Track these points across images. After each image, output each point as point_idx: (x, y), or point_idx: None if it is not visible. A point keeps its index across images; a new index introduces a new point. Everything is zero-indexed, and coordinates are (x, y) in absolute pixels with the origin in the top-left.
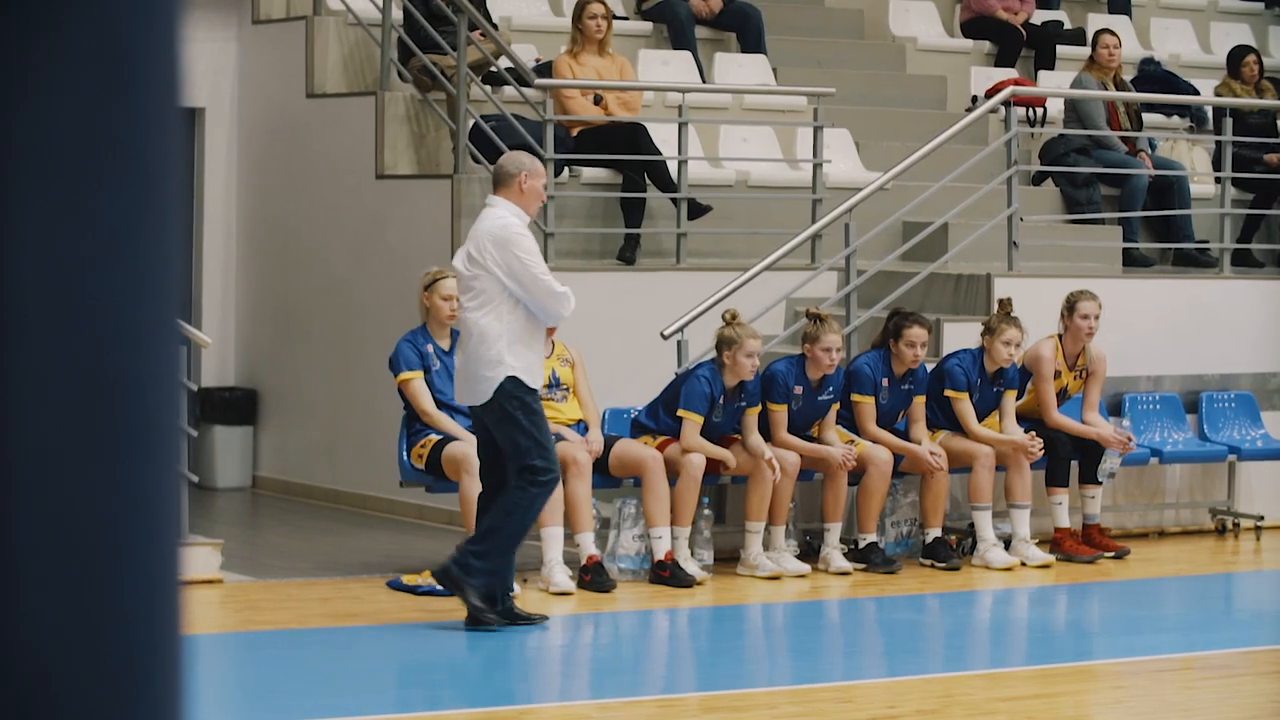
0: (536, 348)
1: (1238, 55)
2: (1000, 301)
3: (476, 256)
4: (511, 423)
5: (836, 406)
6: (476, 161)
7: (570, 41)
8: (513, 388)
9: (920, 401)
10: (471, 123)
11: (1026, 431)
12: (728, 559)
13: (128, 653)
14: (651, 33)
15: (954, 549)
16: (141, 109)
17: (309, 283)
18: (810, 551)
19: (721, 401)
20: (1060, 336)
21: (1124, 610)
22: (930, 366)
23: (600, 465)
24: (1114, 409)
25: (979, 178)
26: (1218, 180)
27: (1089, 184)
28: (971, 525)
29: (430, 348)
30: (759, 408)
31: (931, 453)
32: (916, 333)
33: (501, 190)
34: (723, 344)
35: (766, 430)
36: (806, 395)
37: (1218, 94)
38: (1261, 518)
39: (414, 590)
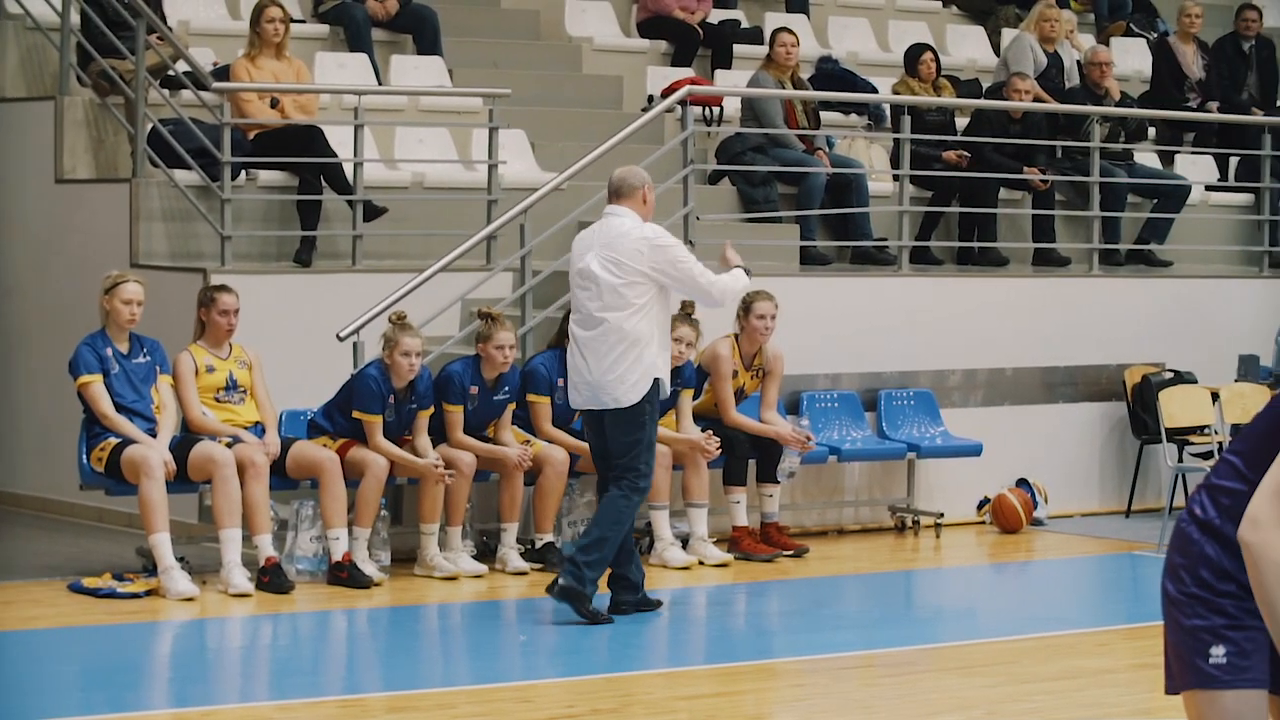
0: (669, 346)
1: (915, 53)
2: (681, 302)
3: (629, 263)
4: (641, 425)
5: (513, 406)
6: (155, 165)
7: (248, 45)
8: (654, 391)
9: None
10: (150, 127)
11: (704, 430)
12: (405, 560)
13: None
14: (328, 35)
15: None
16: None
17: None
18: (487, 551)
19: (392, 401)
20: (737, 336)
21: (803, 608)
22: None
23: (278, 467)
24: (792, 407)
25: (655, 177)
26: (896, 178)
27: (766, 182)
28: (649, 524)
29: (110, 351)
30: (430, 409)
31: None
32: None
33: (625, 200)
34: (384, 344)
35: (444, 431)
36: (482, 395)
37: (895, 92)
38: (941, 515)
39: (95, 593)
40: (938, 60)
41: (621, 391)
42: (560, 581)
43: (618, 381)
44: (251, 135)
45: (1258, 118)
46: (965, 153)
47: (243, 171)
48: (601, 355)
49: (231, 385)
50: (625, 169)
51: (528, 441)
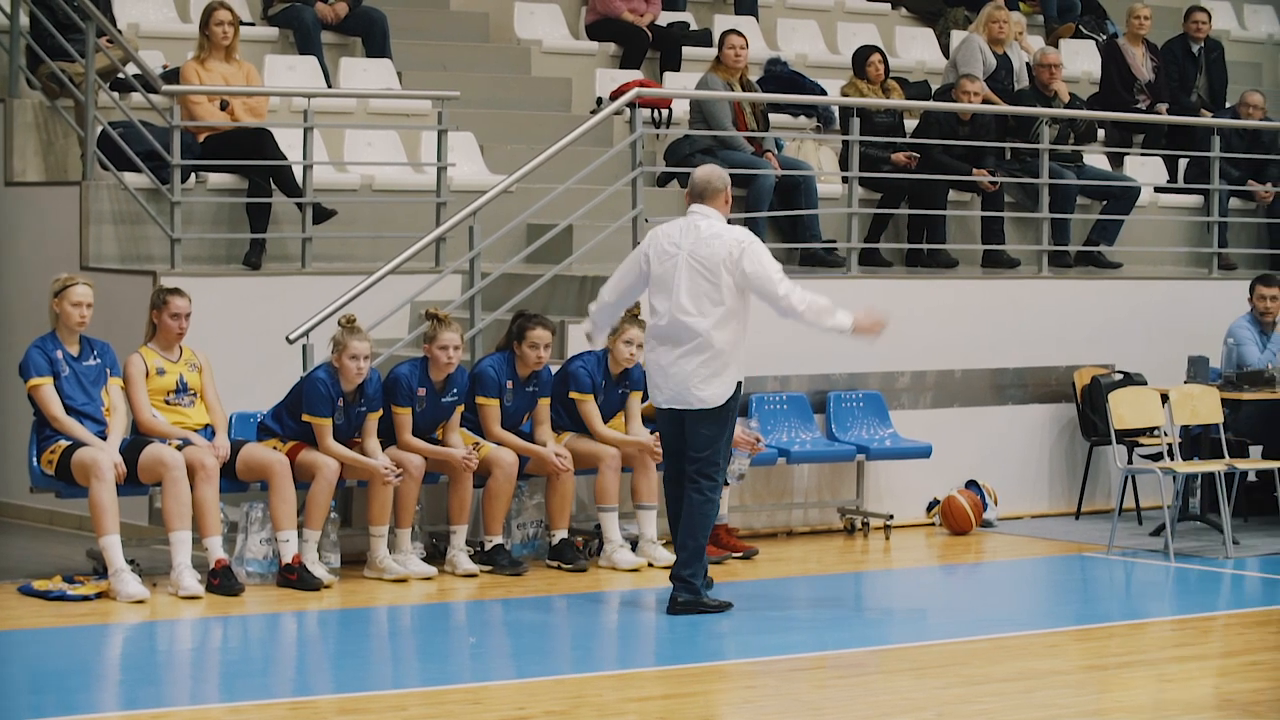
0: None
1: (863, 55)
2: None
3: (723, 267)
4: (725, 423)
5: (461, 409)
6: (105, 168)
7: (197, 48)
8: (739, 391)
9: (545, 403)
10: (100, 129)
11: (652, 433)
12: (355, 562)
13: None
14: (278, 38)
15: (580, 550)
16: None
17: None
18: (436, 554)
19: (341, 404)
20: None
21: (753, 610)
22: (555, 368)
23: (227, 469)
24: (741, 409)
25: (604, 179)
26: (845, 180)
27: None
28: (598, 526)
29: (60, 354)
30: (379, 412)
31: (557, 454)
32: (540, 335)
33: (710, 200)
34: (333, 347)
35: (393, 433)
36: (430, 397)
37: (844, 94)
38: (891, 516)
39: (45, 595)
40: (886, 62)
41: (709, 393)
42: (680, 600)
43: (705, 384)
44: (201, 138)
45: (1207, 119)
46: (914, 154)
47: (192, 174)
48: (690, 358)
49: (182, 388)
50: (707, 169)
51: (476, 444)
